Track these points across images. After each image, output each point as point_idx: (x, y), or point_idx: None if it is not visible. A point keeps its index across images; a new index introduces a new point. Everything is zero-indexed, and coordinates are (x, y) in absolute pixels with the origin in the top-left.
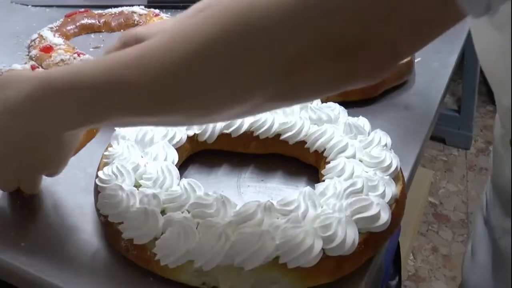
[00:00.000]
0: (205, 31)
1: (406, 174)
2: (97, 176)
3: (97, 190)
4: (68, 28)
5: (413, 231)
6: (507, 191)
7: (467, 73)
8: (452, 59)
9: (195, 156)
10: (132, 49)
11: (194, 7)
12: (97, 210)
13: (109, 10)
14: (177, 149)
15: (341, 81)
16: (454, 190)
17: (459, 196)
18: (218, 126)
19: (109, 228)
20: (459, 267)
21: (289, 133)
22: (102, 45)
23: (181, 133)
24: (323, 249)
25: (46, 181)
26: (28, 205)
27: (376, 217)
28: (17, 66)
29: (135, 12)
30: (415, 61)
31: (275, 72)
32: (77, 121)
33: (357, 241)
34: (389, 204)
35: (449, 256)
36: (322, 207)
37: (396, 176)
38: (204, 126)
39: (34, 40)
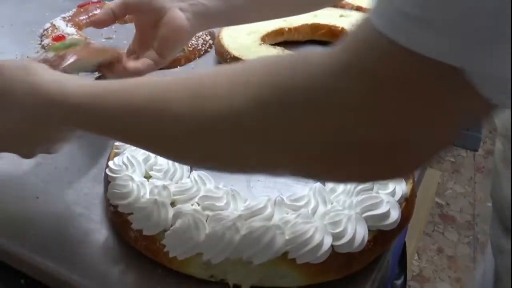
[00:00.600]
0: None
1: (416, 174)
2: (107, 166)
3: (107, 180)
4: (81, 18)
5: (418, 231)
6: (504, 208)
7: None
8: None
9: None
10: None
11: None
12: (107, 200)
13: None
14: None
15: (367, 179)
16: (461, 192)
17: (466, 197)
18: None
19: (118, 218)
20: (464, 268)
21: None
22: (114, 36)
23: None
24: (332, 245)
25: (56, 169)
26: (38, 193)
27: (386, 215)
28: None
29: None
30: None
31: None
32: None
33: (366, 239)
34: (399, 202)
35: (454, 257)
36: (332, 204)
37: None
38: None
39: (46, 29)
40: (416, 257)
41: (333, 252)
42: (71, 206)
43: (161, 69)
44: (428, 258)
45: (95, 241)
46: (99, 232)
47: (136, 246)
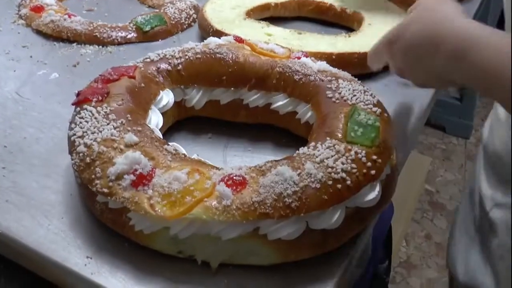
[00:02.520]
0: None
1: (403, 147)
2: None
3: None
4: None
5: (406, 217)
6: (504, 160)
7: None
8: None
9: (182, 123)
10: None
11: None
12: (75, 171)
13: None
14: (162, 114)
15: None
16: (451, 179)
17: (456, 185)
18: (205, 93)
19: (84, 189)
20: None
21: (280, 103)
22: (95, 8)
23: (168, 97)
24: (306, 221)
25: (26, 140)
26: (5, 164)
27: (365, 192)
28: (218, 41)
29: None
30: None
31: None
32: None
33: (343, 216)
34: (380, 179)
35: (442, 244)
36: None
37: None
38: (191, 92)
39: None
40: (404, 244)
41: (307, 228)
42: (39, 177)
43: (141, 42)
44: (416, 244)
45: (61, 213)
46: (66, 204)
47: (102, 218)
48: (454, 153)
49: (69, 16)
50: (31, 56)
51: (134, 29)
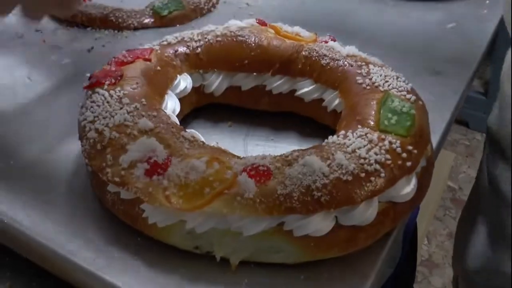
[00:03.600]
0: None
1: (436, 139)
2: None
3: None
4: None
5: (429, 215)
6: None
7: (497, 55)
8: (490, 25)
9: (200, 110)
10: None
11: None
12: (85, 158)
13: None
14: (179, 100)
15: None
16: (475, 176)
17: None
18: (226, 78)
19: (95, 179)
20: None
21: (305, 89)
22: None
23: (186, 81)
24: (335, 217)
25: (36, 125)
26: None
27: (400, 185)
28: (239, 23)
29: None
30: (449, 26)
31: None
32: None
33: (375, 211)
34: (415, 172)
35: None
36: None
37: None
38: (210, 76)
39: None
40: (425, 242)
41: (337, 224)
42: (49, 164)
43: (158, 27)
44: (438, 243)
45: (71, 204)
46: (76, 194)
47: (114, 210)
48: (478, 149)
49: (84, 0)
50: (44, 41)
51: (151, 13)
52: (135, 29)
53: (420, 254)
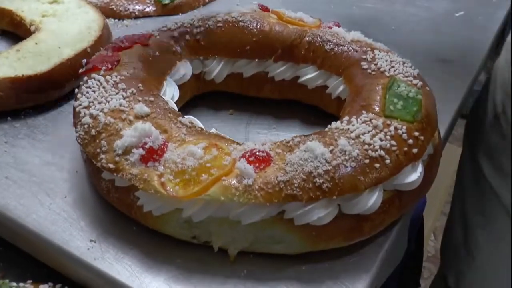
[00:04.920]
0: None
1: (443, 130)
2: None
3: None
4: None
5: (436, 210)
6: None
7: None
8: (500, 14)
9: (200, 97)
10: None
11: None
12: (79, 144)
13: None
14: (179, 86)
15: None
16: None
17: None
18: (227, 65)
19: (90, 165)
20: None
21: (309, 76)
22: None
23: (186, 68)
24: (338, 205)
25: (31, 113)
26: (7, 138)
27: (405, 173)
28: (241, 9)
29: None
30: (457, 14)
31: None
32: None
33: (380, 199)
34: (422, 159)
35: None
36: None
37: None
38: (211, 63)
39: None
40: (432, 238)
41: (340, 213)
42: (43, 152)
43: (160, 16)
44: None
45: (65, 192)
46: (71, 182)
47: (109, 198)
48: None
49: None
50: None
51: (152, 1)
52: (136, 17)
53: (426, 250)
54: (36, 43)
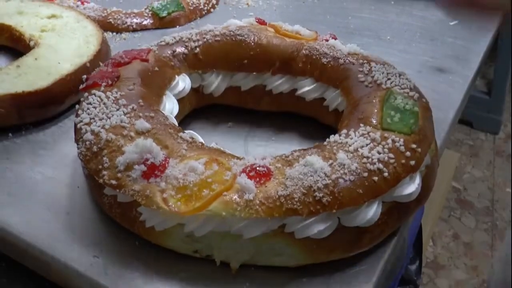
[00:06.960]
0: None
1: (439, 139)
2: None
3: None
4: None
5: (434, 216)
6: None
7: (500, 54)
8: (493, 22)
9: (199, 111)
10: None
11: None
12: (81, 161)
13: None
14: (178, 101)
15: None
16: (479, 176)
17: (484, 182)
18: (225, 78)
19: (92, 181)
20: (481, 256)
21: (306, 88)
22: None
23: (184, 82)
24: (338, 218)
25: (32, 129)
26: (9, 155)
27: (404, 184)
28: (238, 22)
29: None
30: (451, 23)
31: None
32: None
33: (379, 212)
34: (419, 170)
35: (471, 244)
36: None
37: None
38: (209, 77)
39: None
40: (430, 243)
41: (339, 225)
42: (44, 167)
43: (157, 28)
44: (443, 244)
45: (66, 207)
46: (72, 197)
47: (111, 213)
48: (482, 149)
49: (82, 3)
50: None
51: (150, 15)
52: (134, 30)
53: (425, 256)
54: (35, 59)
